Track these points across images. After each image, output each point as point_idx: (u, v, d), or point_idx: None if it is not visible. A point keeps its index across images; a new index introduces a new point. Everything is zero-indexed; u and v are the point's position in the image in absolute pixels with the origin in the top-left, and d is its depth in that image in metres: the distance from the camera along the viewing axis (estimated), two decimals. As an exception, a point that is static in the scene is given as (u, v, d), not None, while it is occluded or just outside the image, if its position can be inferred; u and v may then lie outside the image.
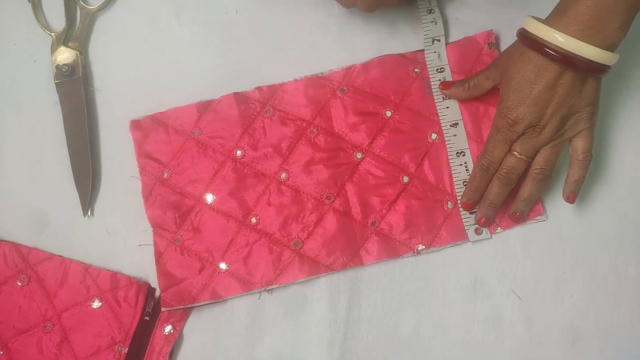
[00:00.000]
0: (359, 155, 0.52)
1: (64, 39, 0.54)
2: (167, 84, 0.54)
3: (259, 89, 0.53)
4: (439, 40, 0.53)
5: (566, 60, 0.44)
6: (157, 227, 0.51)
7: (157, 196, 0.51)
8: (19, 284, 0.51)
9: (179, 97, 0.53)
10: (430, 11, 0.53)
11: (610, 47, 0.45)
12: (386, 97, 0.53)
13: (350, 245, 0.51)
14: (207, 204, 0.51)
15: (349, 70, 0.53)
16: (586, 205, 0.52)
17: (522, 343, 0.50)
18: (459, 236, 0.51)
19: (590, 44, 0.44)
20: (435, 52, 0.53)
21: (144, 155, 0.52)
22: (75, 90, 0.53)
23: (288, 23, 0.55)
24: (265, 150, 0.52)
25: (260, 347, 0.50)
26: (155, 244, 0.51)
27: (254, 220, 0.51)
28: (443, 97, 0.53)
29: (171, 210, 0.51)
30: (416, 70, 0.53)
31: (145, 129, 0.52)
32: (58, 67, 0.54)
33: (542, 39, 0.45)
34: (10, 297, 0.50)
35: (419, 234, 0.51)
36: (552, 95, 0.46)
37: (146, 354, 0.49)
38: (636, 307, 0.50)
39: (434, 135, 0.52)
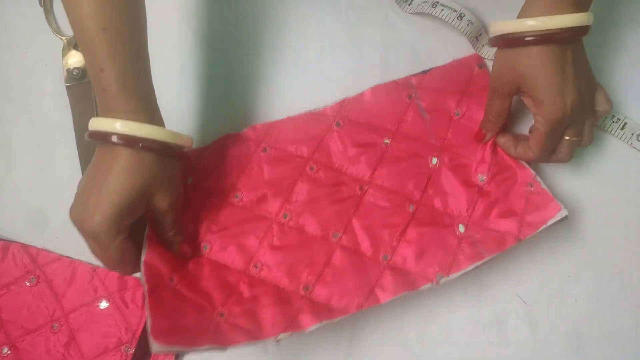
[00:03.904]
0: (362, 188, 0.50)
1: (74, 43, 0.55)
2: (174, 89, 0.54)
3: (252, 128, 0.52)
4: (480, 35, 0.53)
5: (548, 38, 0.43)
6: (149, 272, 0.45)
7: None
8: (28, 284, 0.51)
9: (184, 102, 0.54)
10: (460, 17, 0.52)
11: (583, 7, 0.44)
12: (382, 126, 0.51)
13: (364, 284, 0.46)
14: (204, 252, 0.48)
15: (342, 103, 0.52)
16: (591, 210, 0.52)
17: (526, 347, 0.50)
18: (477, 257, 0.47)
19: (562, 13, 0.43)
20: (484, 45, 0.54)
21: None
22: (86, 93, 0.54)
23: (296, 29, 0.55)
24: (264, 190, 0.50)
25: (265, 348, 0.50)
26: (148, 281, 0.44)
27: (257, 267, 0.48)
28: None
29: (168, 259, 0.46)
30: (410, 95, 0.52)
31: None
32: (69, 71, 0.54)
33: (515, 32, 0.44)
34: (19, 297, 0.51)
35: (434, 262, 0.47)
36: (566, 75, 0.44)
37: (152, 355, 0.50)
38: (640, 313, 0.50)
39: (434, 160, 0.50)
